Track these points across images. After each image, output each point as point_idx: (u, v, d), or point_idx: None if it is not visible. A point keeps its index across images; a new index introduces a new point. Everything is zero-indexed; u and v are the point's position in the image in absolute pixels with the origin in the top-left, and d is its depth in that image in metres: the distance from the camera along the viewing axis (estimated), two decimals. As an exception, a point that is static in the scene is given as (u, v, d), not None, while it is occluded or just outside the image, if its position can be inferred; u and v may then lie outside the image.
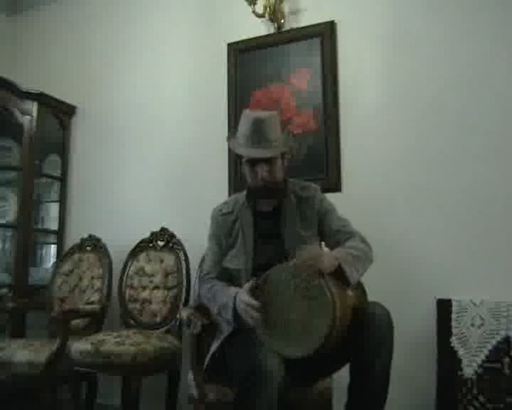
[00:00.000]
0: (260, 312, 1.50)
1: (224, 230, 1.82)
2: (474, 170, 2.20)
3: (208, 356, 1.72)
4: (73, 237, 3.01)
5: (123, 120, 3.12)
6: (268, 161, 1.72)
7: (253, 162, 1.73)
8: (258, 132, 1.70)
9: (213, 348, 1.72)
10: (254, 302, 1.51)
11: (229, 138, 1.87)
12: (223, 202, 1.93)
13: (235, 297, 1.59)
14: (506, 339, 1.96)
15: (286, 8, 2.68)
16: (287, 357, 1.44)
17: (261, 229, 1.78)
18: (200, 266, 2.32)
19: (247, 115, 1.77)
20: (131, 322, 2.57)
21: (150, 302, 2.55)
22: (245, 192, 1.87)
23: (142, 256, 2.69)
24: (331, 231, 1.76)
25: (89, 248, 2.85)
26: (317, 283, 1.45)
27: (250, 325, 1.53)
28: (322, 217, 1.78)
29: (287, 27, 2.67)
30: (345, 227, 1.75)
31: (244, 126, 1.75)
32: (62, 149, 3.23)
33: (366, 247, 1.69)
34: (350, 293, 1.53)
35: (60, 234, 3.15)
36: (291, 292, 1.49)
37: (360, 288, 1.62)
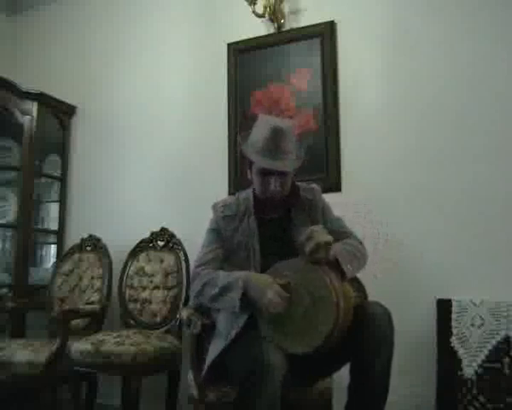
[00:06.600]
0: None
1: (225, 232, 1.75)
2: (474, 170, 2.20)
3: (208, 362, 1.66)
4: (73, 237, 3.01)
5: (123, 120, 3.12)
6: (282, 174, 1.65)
7: (266, 173, 1.65)
8: (277, 143, 1.62)
9: (214, 352, 1.64)
10: (285, 294, 1.47)
11: (241, 142, 1.75)
12: (224, 202, 1.82)
13: (244, 279, 1.53)
14: (506, 339, 1.96)
15: (286, 8, 2.68)
16: (285, 351, 1.43)
17: (268, 239, 1.71)
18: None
19: (265, 122, 1.68)
20: (131, 322, 2.57)
21: (150, 302, 2.55)
22: (247, 192, 1.81)
23: (142, 256, 2.69)
24: (329, 231, 1.74)
25: (89, 248, 2.85)
26: (320, 279, 1.45)
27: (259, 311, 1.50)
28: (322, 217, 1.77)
29: (287, 27, 2.67)
30: (342, 228, 1.76)
31: (261, 133, 1.65)
32: (62, 149, 3.23)
33: (362, 247, 1.69)
34: (353, 293, 1.53)
35: (60, 234, 3.15)
36: (295, 289, 1.49)
37: (361, 288, 1.62)
